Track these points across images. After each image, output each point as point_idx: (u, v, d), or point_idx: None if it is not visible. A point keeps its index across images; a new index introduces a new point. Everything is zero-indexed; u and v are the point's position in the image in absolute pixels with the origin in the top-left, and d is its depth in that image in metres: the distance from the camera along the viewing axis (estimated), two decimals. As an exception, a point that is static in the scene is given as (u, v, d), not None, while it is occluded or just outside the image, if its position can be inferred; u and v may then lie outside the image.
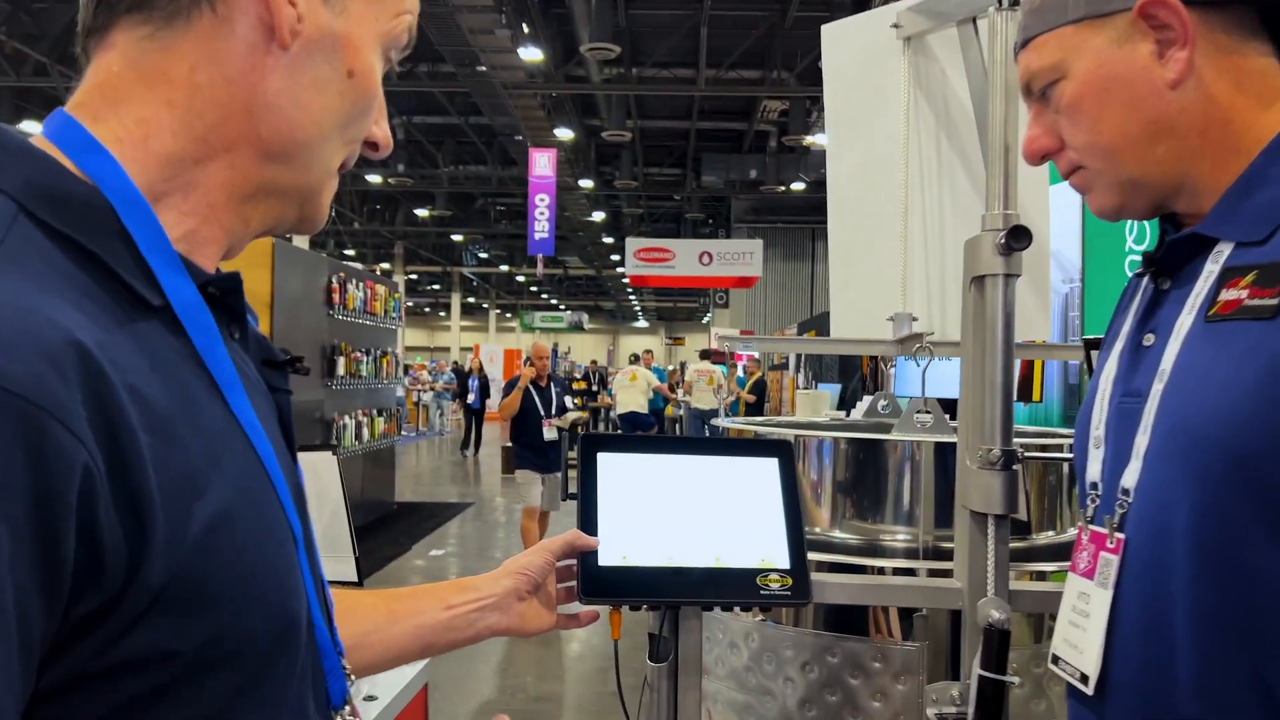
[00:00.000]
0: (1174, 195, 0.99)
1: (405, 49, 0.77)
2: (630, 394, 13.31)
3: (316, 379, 8.29)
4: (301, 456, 2.28)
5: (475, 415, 17.62)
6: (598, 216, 23.63)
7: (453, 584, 1.12)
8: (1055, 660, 1.05)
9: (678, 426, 14.72)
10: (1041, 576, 1.58)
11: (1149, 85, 0.96)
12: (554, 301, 43.73)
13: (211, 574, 0.57)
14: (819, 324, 12.40)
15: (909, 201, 1.85)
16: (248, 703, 0.61)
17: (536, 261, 18.77)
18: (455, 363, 25.63)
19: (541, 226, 16.25)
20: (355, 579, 2.26)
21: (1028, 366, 5.47)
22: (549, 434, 7.04)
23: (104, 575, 0.52)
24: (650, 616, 1.38)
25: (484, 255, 32.59)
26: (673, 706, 1.36)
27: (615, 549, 1.25)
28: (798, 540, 1.29)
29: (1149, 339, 0.99)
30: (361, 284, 9.28)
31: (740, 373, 13.98)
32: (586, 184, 19.85)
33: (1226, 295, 0.90)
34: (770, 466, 1.34)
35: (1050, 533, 1.70)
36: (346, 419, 8.87)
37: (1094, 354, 1.42)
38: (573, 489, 1.39)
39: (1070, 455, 1.69)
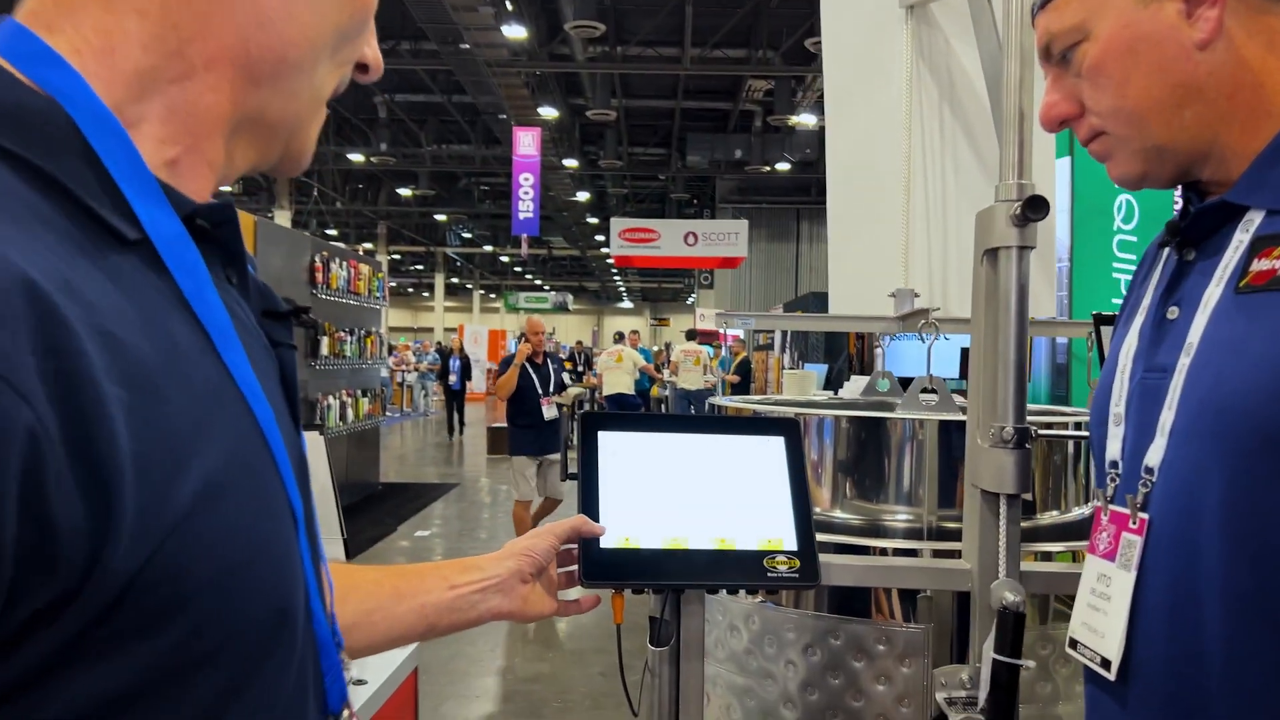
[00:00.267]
0: (1200, 162, 0.95)
1: None
2: (616, 375, 13.26)
3: (300, 359, 8.19)
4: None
5: (456, 396, 17.49)
6: (582, 196, 23.51)
7: (456, 563, 1.08)
8: (1074, 644, 1.02)
9: (663, 407, 14.71)
10: (1047, 557, 1.55)
11: (1176, 46, 0.92)
12: (538, 282, 43.57)
13: (196, 559, 0.49)
14: (805, 304, 12.38)
15: (911, 175, 1.81)
16: (238, 706, 0.53)
17: (521, 242, 18.64)
18: (439, 343, 25.49)
19: (526, 206, 16.13)
20: (343, 560, 2.21)
21: (1019, 345, 5.46)
22: (549, 412, 6.66)
23: (58, 561, 0.43)
24: (650, 599, 1.34)
25: (468, 235, 32.40)
26: (674, 691, 1.33)
27: (618, 531, 1.21)
28: (805, 521, 1.25)
29: (1173, 312, 0.95)
30: (345, 263, 9.18)
31: (725, 353, 13.96)
32: (571, 164, 19.72)
33: (1259, 265, 0.86)
34: (776, 445, 1.30)
35: (1054, 512, 1.67)
36: (331, 399, 8.80)
37: (1104, 330, 1.39)
38: (573, 469, 1.34)
39: (1077, 433, 1.66)
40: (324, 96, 0.67)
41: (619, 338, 16.55)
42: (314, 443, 2.19)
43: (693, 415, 1.70)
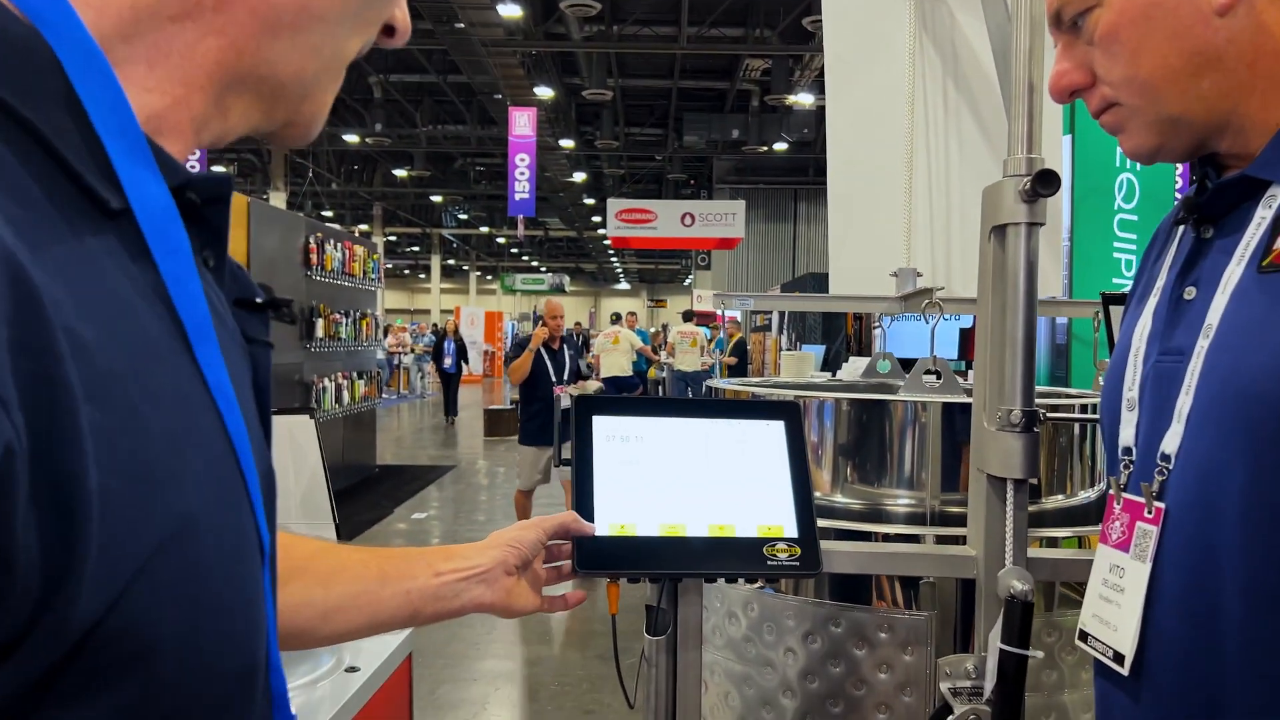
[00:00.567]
0: (1217, 134, 0.91)
1: None
2: (613, 356, 13.20)
3: (295, 341, 8.16)
4: (278, 420, 2.18)
5: (451, 379, 17.37)
6: (579, 177, 23.40)
7: (440, 550, 1.04)
8: (1084, 637, 0.98)
9: (660, 388, 14.67)
10: (1052, 543, 1.52)
11: (1194, 12, 0.87)
12: (535, 264, 43.46)
13: (163, 606, 0.41)
14: (803, 285, 12.33)
15: (914, 151, 1.77)
16: None
17: (517, 223, 18.55)
18: (435, 325, 25.42)
19: (522, 187, 16.04)
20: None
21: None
22: (564, 402, 6.01)
23: (8, 599, 0.36)
24: (647, 587, 1.31)
25: (464, 216, 32.27)
26: (671, 681, 1.30)
27: (613, 518, 1.17)
28: (806, 507, 1.21)
29: (1190, 292, 0.91)
30: (339, 244, 9.12)
31: (721, 335, 13.91)
32: (567, 144, 19.61)
33: None
34: (776, 430, 1.26)
35: (1059, 496, 1.64)
36: (326, 382, 8.76)
37: (1112, 310, 1.35)
38: (567, 455, 1.30)
39: (1084, 416, 1.63)
40: (347, 57, 0.60)
41: (616, 319, 16.49)
42: (304, 426, 2.15)
43: (690, 399, 1.65)
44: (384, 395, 17.23)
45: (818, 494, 1.69)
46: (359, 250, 9.73)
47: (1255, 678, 0.79)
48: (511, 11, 12.74)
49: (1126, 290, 1.09)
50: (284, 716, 0.55)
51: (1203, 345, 0.86)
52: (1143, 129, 0.93)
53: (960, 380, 1.73)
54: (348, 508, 8.47)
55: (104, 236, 0.43)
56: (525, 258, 42.66)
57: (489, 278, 44.09)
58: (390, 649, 2.16)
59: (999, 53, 1.44)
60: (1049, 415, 1.43)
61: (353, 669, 2.04)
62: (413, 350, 23.53)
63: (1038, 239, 1.17)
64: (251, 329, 0.58)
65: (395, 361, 22.75)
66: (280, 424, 2.18)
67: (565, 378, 6.35)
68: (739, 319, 14.59)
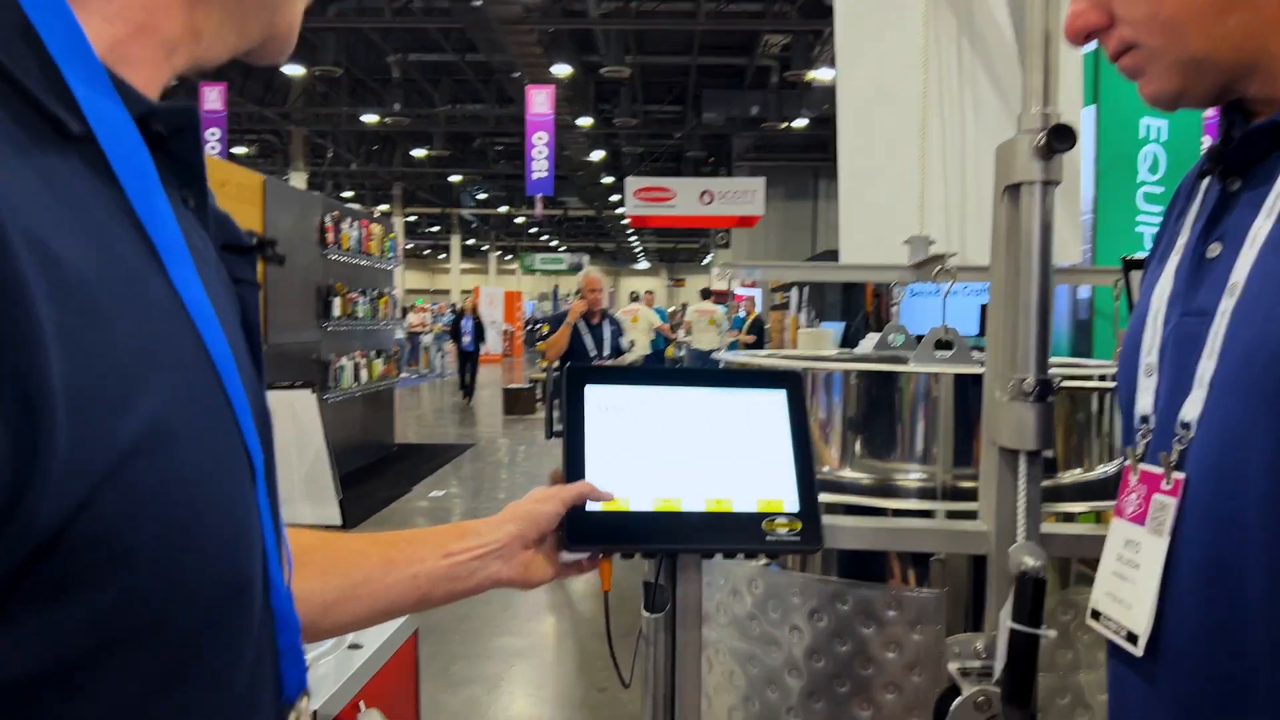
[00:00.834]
0: (1245, 77, 0.84)
1: None
2: (631, 335, 13.16)
3: (312, 320, 8.16)
4: (279, 395, 2.14)
5: (469, 358, 17.32)
6: (597, 156, 23.29)
7: (451, 528, 1.00)
8: (1096, 615, 0.93)
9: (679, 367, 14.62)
10: (1069, 518, 1.46)
11: None
12: (554, 244, 43.39)
13: (138, 510, 0.41)
14: (822, 262, 12.22)
15: (927, 114, 1.70)
16: (182, 686, 0.45)
17: (535, 202, 18.47)
18: (454, 304, 25.45)
19: (540, 166, 15.95)
20: (339, 522, 2.15)
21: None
22: None
23: None
24: (646, 564, 1.27)
25: (482, 196, 32.24)
26: (670, 660, 1.26)
27: (605, 491, 1.12)
28: (808, 481, 1.16)
29: (1214, 249, 0.85)
30: (356, 223, 9.10)
31: (740, 313, 13.83)
32: (585, 122, 19.50)
33: None
34: (777, 400, 1.21)
35: (1078, 470, 1.58)
36: (344, 360, 8.77)
37: (1134, 276, 1.28)
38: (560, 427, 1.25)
39: (1103, 384, 1.57)
40: None
41: (635, 298, 16.44)
42: (305, 401, 2.12)
43: (688, 369, 1.60)
44: (404, 374, 17.23)
45: (826, 468, 1.64)
46: (376, 229, 9.71)
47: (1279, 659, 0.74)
48: (528, -12, 12.65)
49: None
50: (290, 639, 0.55)
51: (1227, 305, 0.80)
52: (1164, 72, 0.86)
53: (976, 354, 1.67)
54: (366, 486, 8.50)
55: (69, 160, 0.43)
56: (544, 237, 42.61)
57: (509, 258, 44.08)
58: (394, 626, 2.14)
59: (1015, 1, 1.38)
60: (1065, 384, 1.38)
61: (355, 646, 2.01)
62: (432, 329, 23.60)
63: (1053, 199, 1.11)
64: (239, 270, 0.58)
65: (417, 341, 22.84)
66: (282, 399, 2.15)
67: (606, 353, 6.07)
68: (758, 299, 14.49)
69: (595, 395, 1.18)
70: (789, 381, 1.23)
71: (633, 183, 15.92)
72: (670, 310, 23.21)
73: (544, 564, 1.07)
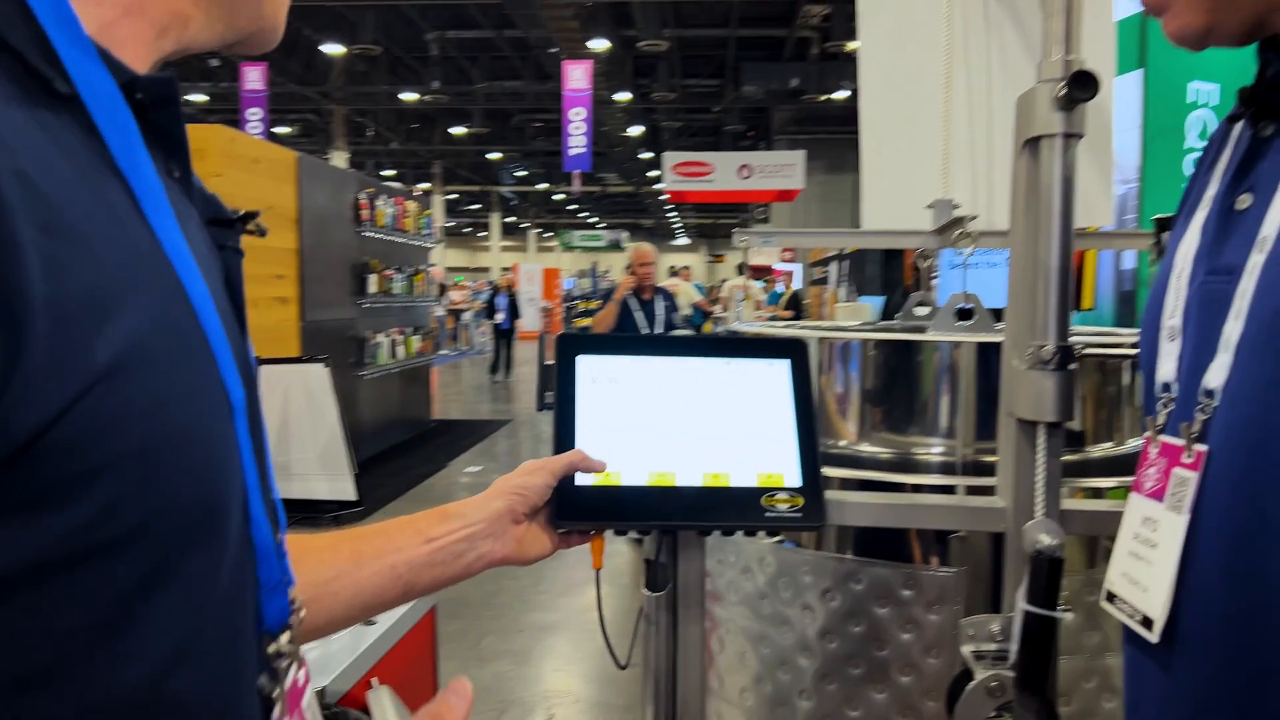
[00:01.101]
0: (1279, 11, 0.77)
1: None
2: (673, 309, 13.07)
3: (347, 297, 8.20)
4: (292, 368, 2.10)
5: (505, 336, 17.26)
6: (635, 131, 23.13)
7: (434, 513, 0.97)
8: (1111, 598, 0.87)
9: (717, 344, 14.52)
10: (1097, 494, 1.39)
11: None
12: (593, 220, 43.31)
13: (114, 425, 0.43)
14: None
15: (952, 71, 1.62)
16: (160, 600, 0.47)
17: (573, 179, 18.40)
18: (491, 282, 25.52)
19: (577, 142, 15.87)
20: (354, 498, 2.13)
21: (1078, 267, 5.14)
22: None
23: None
24: (648, 542, 1.22)
25: (522, 173, 32.22)
26: (672, 640, 1.21)
27: (597, 460, 1.07)
28: (811, 455, 1.10)
29: (1244, 200, 0.78)
30: (391, 200, 9.10)
31: (778, 287, 13.69)
32: (623, 97, 19.35)
33: None
34: (780, 370, 1.15)
35: (1108, 444, 1.50)
36: (380, 337, 8.80)
37: (1166, 236, 1.20)
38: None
39: (1134, 353, 1.48)
40: None
41: (673, 272, 16.36)
42: (319, 375, 2.09)
43: (689, 336, 1.55)
44: (444, 351, 17.26)
45: (843, 442, 1.58)
46: (411, 206, 9.71)
47: None
48: (564, -39, 12.53)
49: None
50: (270, 574, 0.57)
51: (1257, 261, 0.72)
52: (1191, 6, 0.78)
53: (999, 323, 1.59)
54: (403, 461, 8.56)
55: (60, 115, 0.46)
56: (583, 215, 42.55)
57: (548, 235, 44.11)
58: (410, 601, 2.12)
59: (1035, -57, 1.29)
60: (1088, 351, 1.30)
61: (370, 621, 1.99)
62: (472, 307, 23.71)
63: (1075, 153, 1.04)
64: (224, 240, 0.61)
65: (459, 318, 22.96)
66: (295, 373, 2.13)
67: (659, 331, 5.74)
68: (797, 275, 14.32)
69: (587, 366, 1.13)
70: (793, 351, 1.17)
71: (670, 157, 15.77)
72: (710, 286, 23.07)
73: (540, 537, 1.04)
